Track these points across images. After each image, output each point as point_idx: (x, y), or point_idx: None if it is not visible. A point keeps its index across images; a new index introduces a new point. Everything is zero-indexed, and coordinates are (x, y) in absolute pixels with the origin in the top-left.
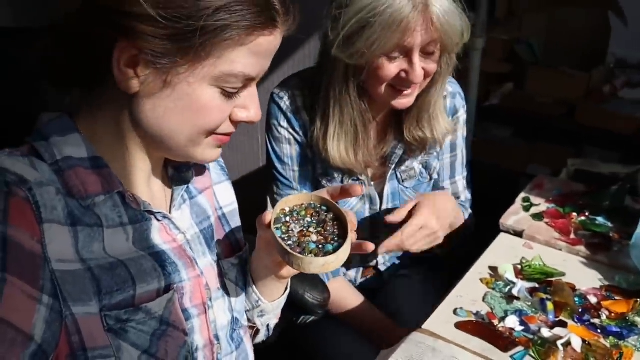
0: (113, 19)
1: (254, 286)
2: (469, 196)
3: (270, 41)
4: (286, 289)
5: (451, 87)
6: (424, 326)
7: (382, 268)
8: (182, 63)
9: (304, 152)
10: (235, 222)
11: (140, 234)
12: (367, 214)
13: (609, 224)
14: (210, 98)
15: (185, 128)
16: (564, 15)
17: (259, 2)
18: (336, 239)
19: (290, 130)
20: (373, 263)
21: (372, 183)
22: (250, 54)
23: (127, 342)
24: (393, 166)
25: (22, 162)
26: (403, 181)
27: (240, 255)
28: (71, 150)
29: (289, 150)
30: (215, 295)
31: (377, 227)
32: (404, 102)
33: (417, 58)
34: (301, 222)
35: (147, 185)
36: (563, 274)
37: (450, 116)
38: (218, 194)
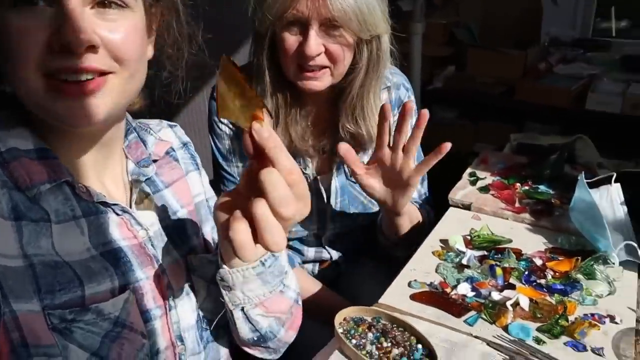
0: None
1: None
2: (423, 191)
3: None
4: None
5: (395, 78)
6: (381, 300)
7: (338, 260)
8: None
9: None
10: (206, 214)
11: (97, 228)
12: (314, 207)
13: (550, 191)
14: None
15: None
16: None
17: None
18: (414, 344)
19: (230, 125)
20: (327, 257)
21: (319, 177)
22: None
23: (73, 343)
24: (339, 160)
25: None
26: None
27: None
28: (16, 142)
29: (231, 146)
30: (179, 295)
31: (324, 221)
32: (310, 84)
33: (312, 32)
34: (367, 339)
35: (102, 179)
36: (510, 241)
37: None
38: (191, 185)
